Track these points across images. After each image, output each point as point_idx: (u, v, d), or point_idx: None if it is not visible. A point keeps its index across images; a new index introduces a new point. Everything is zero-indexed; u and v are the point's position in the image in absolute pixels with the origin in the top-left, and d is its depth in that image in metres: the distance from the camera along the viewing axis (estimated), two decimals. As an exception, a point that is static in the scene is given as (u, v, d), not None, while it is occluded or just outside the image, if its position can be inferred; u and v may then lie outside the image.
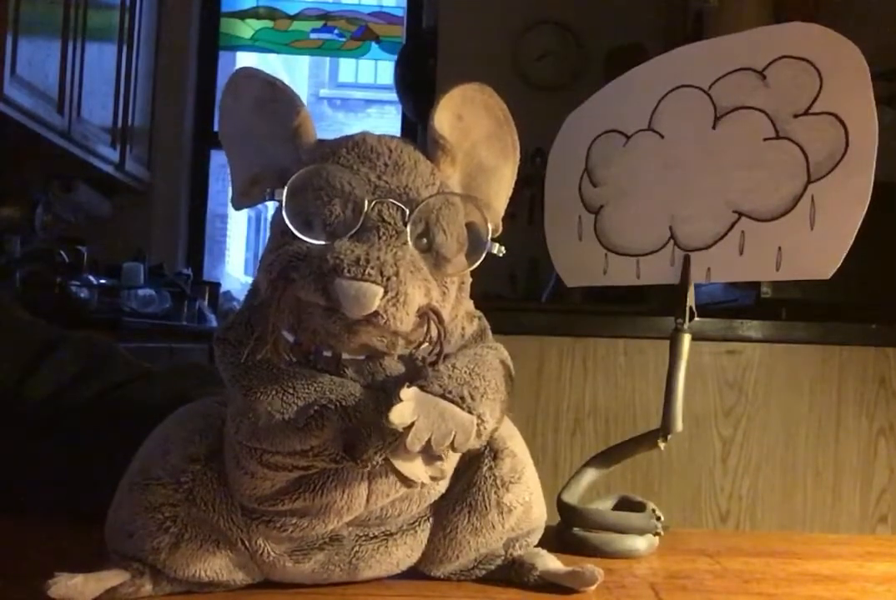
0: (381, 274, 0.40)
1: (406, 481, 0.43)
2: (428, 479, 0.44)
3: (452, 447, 0.42)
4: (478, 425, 0.43)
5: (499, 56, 3.17)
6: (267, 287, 0.43)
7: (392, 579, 0.52)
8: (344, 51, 4.44)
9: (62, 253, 2.77)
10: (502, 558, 0.53)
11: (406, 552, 0.50)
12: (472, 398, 0.43)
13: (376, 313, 0.40)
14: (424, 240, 0.44)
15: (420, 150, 0.47)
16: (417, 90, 3.32)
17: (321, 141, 0.47)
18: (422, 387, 0.43)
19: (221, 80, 4.02)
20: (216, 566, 0.47)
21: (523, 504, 0.51)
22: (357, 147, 0.46)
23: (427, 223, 0.44)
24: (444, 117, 0.47)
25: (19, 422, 0.68)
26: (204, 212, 3.92)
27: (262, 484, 0.45)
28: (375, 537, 0.49)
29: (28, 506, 0.64)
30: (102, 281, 2.87)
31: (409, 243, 0.43)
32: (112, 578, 0.46)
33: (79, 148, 2.88)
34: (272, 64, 6.90)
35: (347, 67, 9.12)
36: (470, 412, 0.43)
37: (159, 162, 3.61)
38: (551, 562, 0.53)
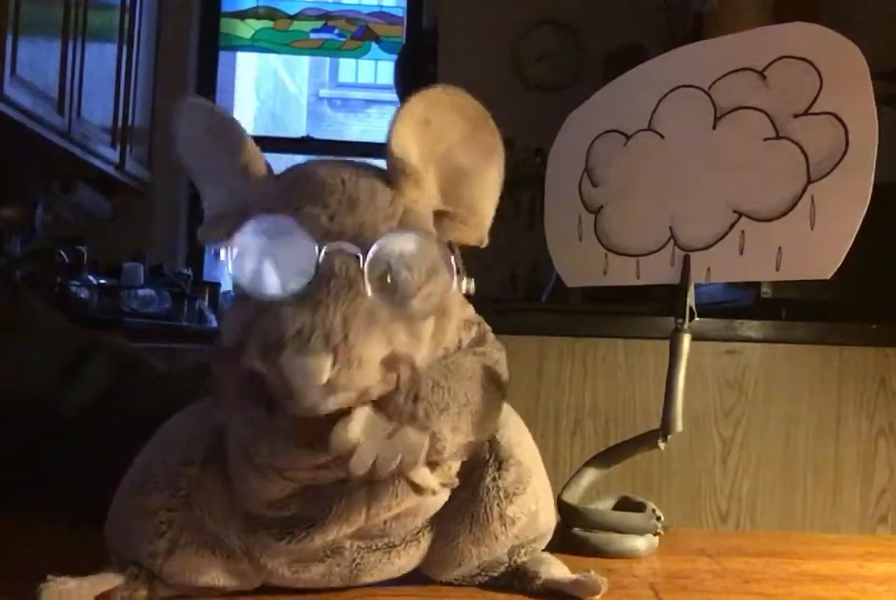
0: (328, 342, 0.38)
1: (416, 488, 0.42)
2: (438, 486, 0.43)
3: (400, 470, 0.41)
4: (434, 443, 0.42)
5: (499, 56, 3.17)
6: (221, 355, 0.42)
7: (393, 583, 0.51)
8: (344, 51, 4.43)
9: (62, 253, 2.77)
10: (506, 565, 0.52)
11: (408, 560, 0.50)
12: (427, 415, 0.42)
13: (329, 381, 0.38)
14: (388, 279, 0.41)
15: (380, 176, 0.44)
16: (417, 90, 3.32)
17: (274, 177, 0.45)
18: (374, 406, 0.41)
19: (221, 80, 4.02)
20: (213, 572, 0.47)
21: (528, 514, 0.50)
22: (308, 183, 0.43)
23: (388, 262, 0.41)
24: (404, 132, 0.44)
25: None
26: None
27: (273, 486, 0.45)
28: (378, 549, 0.48)
29: (30, 509, 0.64)
30: (102, 281, 2.87)
31: (366, 291, 0.40)
32: (106, 582, 0.45)
33: (79, 148, 2.87)
34: (272, 64, 6.90)
35: (347, 67, 9.12)
36: (423, 431, 0.42)
37: (159, 162, 3.61)
38: (556, 569, 0.52)
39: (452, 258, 0.43)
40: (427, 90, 0.44)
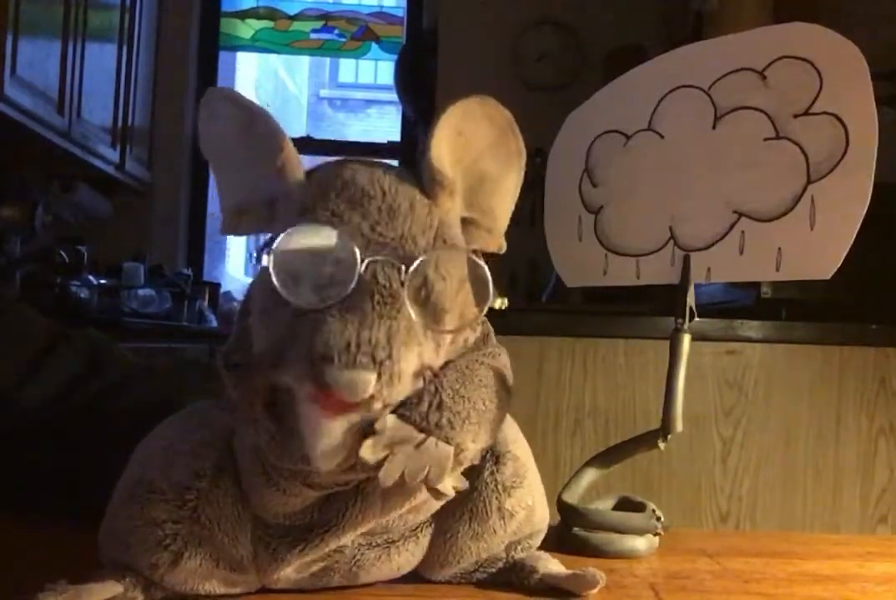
0: (374, 359, 0.39)
1: (437, 495, 0.43)
2: (453, 491, 0.43)
3: (428, 481, 0.41)
4: (457, 455, 0.43)
5: (499, 56, 3.17)
6: (251, 360, 0.42)
7: (392, 582, 0.51)
8: (344, 51, 4.44)
9: (62, 253, 2.77)
10: (503, 561, 0.52)
11: (407, 558, 0.50)
12: (452, 426, 0.42)
13: (372, 396, 0.39)
14: (423, 292, 0.42)
15: (417, 184, 0.44)
16: (417, 90, 3.32)
17: (308, 176, 0.45)
18: (401, 416, 0.42)
19: (221, 80, 4.02)
20: (214, 582, 0.47)
21: (525, 508, 0.51)
22: (347, 189, 0.43)
23: (425, 275, 0.42)
24: (441, 143, 0.45)
25: (19, 422, 0.68)
26: (204, 212, 3.91)
27: (294, 500, 0.45)
28: (378, 545, 0.48)
29: (27, 508, 0.64)
30: (102, 281, 2.88)
31: (406, 306, 0.41)
32: (104, 591, 0.45)
33: (79, 148, 2.87)
34: (272, 64, 6.90)
35: (347, 67, 9.12)
36: (448, 442, 0.42)
37: (159, 162, 3.61)
38: (553, 565, 0.52)
39: (488, 276, 0.43)
40: (463, 100, 0.45)
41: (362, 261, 0.40)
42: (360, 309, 0.40)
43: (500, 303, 0.42)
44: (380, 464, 0.41)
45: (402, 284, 0.41)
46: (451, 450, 0.42)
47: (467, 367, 0.45)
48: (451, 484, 0.43)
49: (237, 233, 0.47)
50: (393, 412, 0.42)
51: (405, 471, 0.41)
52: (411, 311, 0.41)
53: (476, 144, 0.47)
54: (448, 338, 0.44)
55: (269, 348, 0.41)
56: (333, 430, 0.40)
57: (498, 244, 0.48)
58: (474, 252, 0.46)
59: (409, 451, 0.41)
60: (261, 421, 0.42)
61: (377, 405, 0.40)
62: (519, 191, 0.49)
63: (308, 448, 0.41)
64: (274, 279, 0.41)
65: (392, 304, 0.41)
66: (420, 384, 0.42)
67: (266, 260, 0.41)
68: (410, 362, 0.40)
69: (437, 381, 0.43)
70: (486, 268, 0.44)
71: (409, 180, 0.45)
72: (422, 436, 0.42)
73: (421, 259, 0.41)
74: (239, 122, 0.46)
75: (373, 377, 0.39)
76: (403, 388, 0.40)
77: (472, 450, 0.44)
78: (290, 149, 0.45)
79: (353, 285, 0.40)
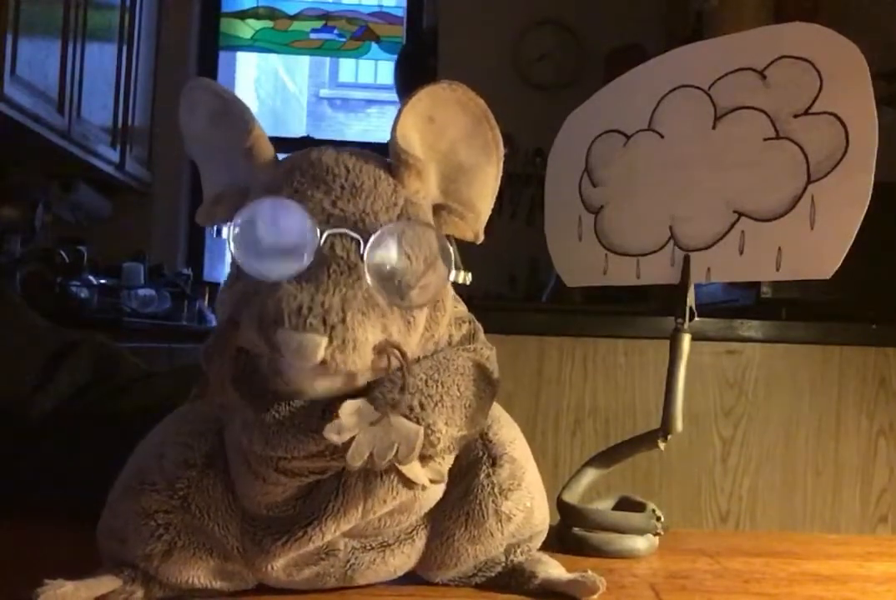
0: (325, 322, 0.38)
1: (407, 482, 0.42)
2: (427, 481, 0.43)
3: (397, 460, 0.41)
4: (428, 435, 0.42)
5: (499, 56, 3.17)
6: (217, 327, 0.42)
7: (392, 582, 0.51)
8: (344, 51, 4.44)
9: (62, 253, 2.77)
10: (502, 565, 0.52)
11: (403, 560, 0.49)
12: (422, 407, 0.42)
13: (324, 361, 0.39)
14: (387, 268, 0.42)
15: (384, 165, 0.44)
16: (421, 86, 3.32)
17: (278, 159, 0.46)
18: (370, 399, 0.42)
19: (221, 80, 4.02)
20: (209, 573, 0.47)
21: (524, 510, 0.50)
22: (312, 168, 0.43)
23: (388, 251, 0.42)
24: (408, 125, 0.45)
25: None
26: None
27: (274, 489, 0.45)
28: (372, 548, 0.48)
29: (29, 507, 0.64)
30: (102, 281, 2.87)
31: (365, 277, 0.41)
32: (103, 585, 0.45)
33: (79, 148, 2.87)
34: (272, 64, 6.90)
35: (347, 67, 9.12)
36: (418, 422, 0.42)
37: (159, 162, 3.61)
38: (553, 569, 0.52)
39: (451, 249, 0.43)
40: (432, 86, 0.45)
41: (321, 233, 0.41)
42: (317, 277, 0.40)
43: (462, 277, 0.40)
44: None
45: (361, 257, 0.41)
46: (420, 429, 0.42)
47: (445, 357, 0.46)
48: (425, 474, 0.43)
49: (212, 222, 0.47)
50: (364, 396, 0.42)
51: (373, 451, 0.40)
52: (371, 283, 0.41)
53: (450, 133, 0.46)
54: (420, 317, 0.43)
55: (230, 316, 0.41)
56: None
57: (475, 232, 0.47)
58: (447, 237, 0.45)
59: (376, 430, 0.41)
60: (231, 396, 0.42)
61: (329, 376, 0.40)
62: (499, 183, 0.48)
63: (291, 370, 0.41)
64: (234, 250, 0.41)
65: (349, 274, 0.41)
66: (384, 361, 0.41)
67: (226, 232, 0.42)
68: (369, 332, 0.40)
69: (410, 367, 0.43)
70: (448, 240, 0.44)
71: (377, 161, 0.45)
72: (381, 415, 0.41)
73: (379, 232, 0.41)
74: (214, 110, 0.47)
75: (323, 341, 0.38)
76: (360, 358, 0.39)
77: (446, 432, 0.43)
78: (260, 131, 0.45)
79: (311, 257, 0.40)
